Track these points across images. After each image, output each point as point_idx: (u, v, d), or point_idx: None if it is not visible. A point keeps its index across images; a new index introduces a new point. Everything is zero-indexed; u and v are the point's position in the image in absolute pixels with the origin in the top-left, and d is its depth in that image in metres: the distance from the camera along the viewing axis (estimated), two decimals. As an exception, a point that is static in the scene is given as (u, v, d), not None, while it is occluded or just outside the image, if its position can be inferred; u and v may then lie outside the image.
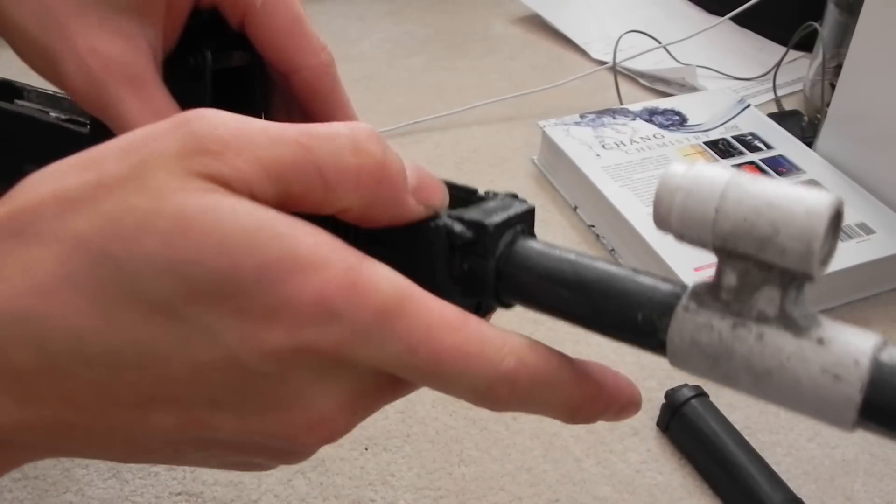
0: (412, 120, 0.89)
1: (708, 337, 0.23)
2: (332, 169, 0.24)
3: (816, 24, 0.88)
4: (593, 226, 0.76)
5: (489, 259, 0.26)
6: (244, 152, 0.23)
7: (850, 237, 0.71)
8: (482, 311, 0.29)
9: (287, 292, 0.22)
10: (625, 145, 0.80)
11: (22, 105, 0.42)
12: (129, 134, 0.24)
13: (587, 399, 0.26)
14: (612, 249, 0.74)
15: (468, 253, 0.27)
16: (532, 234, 0.28)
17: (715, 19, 1.04)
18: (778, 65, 0.95)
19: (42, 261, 0.22)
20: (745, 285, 0.22)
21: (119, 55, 0.31)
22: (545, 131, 0.82)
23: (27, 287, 0.22)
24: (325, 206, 0.25)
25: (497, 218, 0.26)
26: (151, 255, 0.22)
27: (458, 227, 0.26)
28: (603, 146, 0.80)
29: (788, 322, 0.22)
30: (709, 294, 0.23)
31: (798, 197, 0.21)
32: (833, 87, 0.84)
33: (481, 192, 0.29)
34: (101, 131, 0.35)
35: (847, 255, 0.69)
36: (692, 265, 0.66)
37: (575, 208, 0.79)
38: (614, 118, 0.84)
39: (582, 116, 0.84)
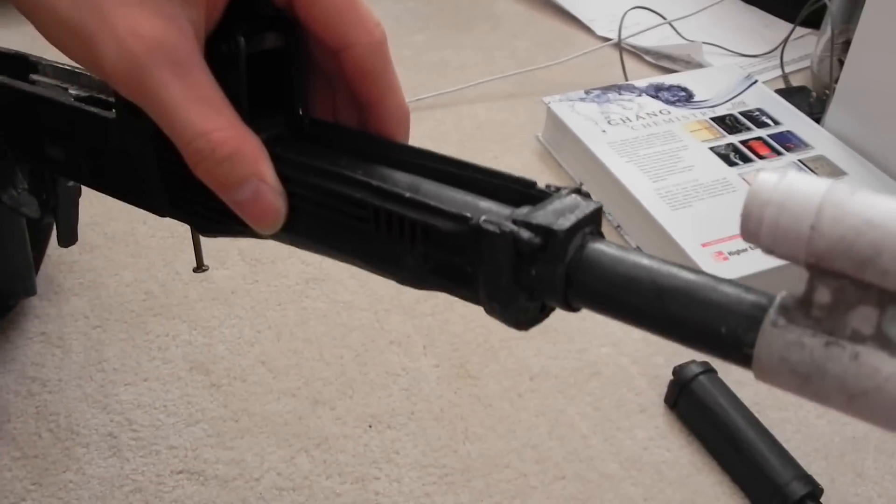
0: (415, 97, 0.88)
1: (799, 355, 0.22)
2: None
3: (825, 0, 0.87)
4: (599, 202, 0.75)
5: (558, 265, 0.25)
6: None
7: (860, 213, 0.70)
8: (545, 311, 0.27)
9: None
10: (631, 121, 0.79)
11: (40, 81, 0.41)
12: None
13: None
14: (618, 226, 0.73)
15: (536, 259, 0.25)
16: (601, 235, 0.27)
17: (721, -5, 1.03)
18: (785, 41, 0.94)
19: None
20: (839, 303, 0.21)
21: (162, 37, 0.29)
22: (550, 107, 0.81)
23: None
24: None
25: (566, 221, 0.25)
26: None
27: (525, 234, 0.25)
28: (609, 122, 0.79)
29: (886, 341, 0.21)
30: (799, 309, 0.22)
31: None
32: (841, 63, 0.83)
33: (540, 185, 0.28)
34: (127, 116, 0.34)
35: (856, 231, 0.68)
36: (699, 241, 0.65)
37: (580, 185, 0.78)
38: (620, 94, 0.83)
39: (587, 92, 0.83)
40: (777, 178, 0.21)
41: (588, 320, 0.64)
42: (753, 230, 0.22)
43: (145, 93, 0.29)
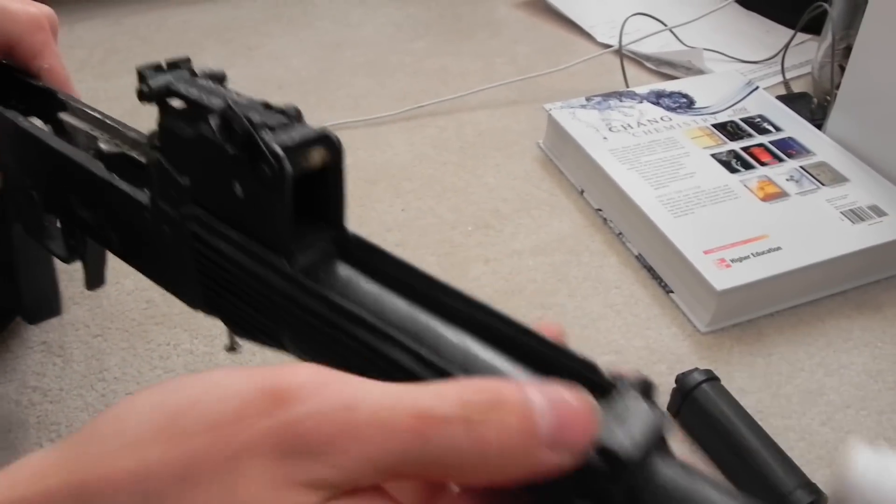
0: (416, 104, 0.88)
1: None
2: (447, 458, 0.22)
3: (826, 5, 0.87)
4: (600, 209, 0.75)
5: (622, 488, 0.23)
6: (351, 450, 0.21)
7: (862, 219, 0.70)
8: None
9: None
10: (632, 128, 0.79)
11: (68, 124, 0.39)
12: (217, 402, 0.22)
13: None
14: (620, 233, 0.73)
15: (599, 479, 0.23)
16: (668, 450, 0.25)
17: (720, 2, 1.03)
18: (786, 47, 0.94)
19: None
20: None
21: None
22: (551, 114, 0.81)
23: None
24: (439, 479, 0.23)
25: (637, 451, 0.23)
26: None
27: (591, 458, 0.23)
28: (610, 129, 0.79)
29: None
30: None
31: None
32: (843, 69, 0.82)
33: (602, 366, 0.26)
34: (164, 204, 0.32)
35: (859, 237, 0.68)
36: (701, 248, 0.65)
37: (581, 192, 0.78)
38: (621, 101, 0.83)
39: (588, 99, 0.83)
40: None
41: (589, 328, 0.63)
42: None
43: None
